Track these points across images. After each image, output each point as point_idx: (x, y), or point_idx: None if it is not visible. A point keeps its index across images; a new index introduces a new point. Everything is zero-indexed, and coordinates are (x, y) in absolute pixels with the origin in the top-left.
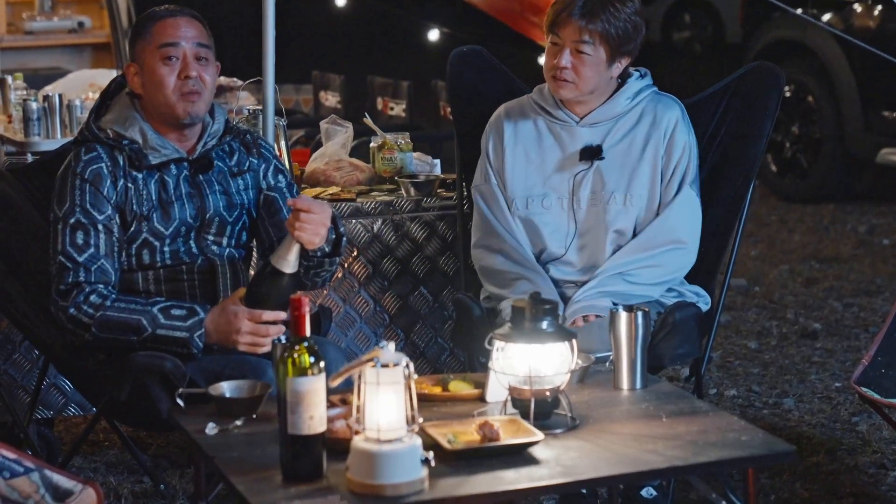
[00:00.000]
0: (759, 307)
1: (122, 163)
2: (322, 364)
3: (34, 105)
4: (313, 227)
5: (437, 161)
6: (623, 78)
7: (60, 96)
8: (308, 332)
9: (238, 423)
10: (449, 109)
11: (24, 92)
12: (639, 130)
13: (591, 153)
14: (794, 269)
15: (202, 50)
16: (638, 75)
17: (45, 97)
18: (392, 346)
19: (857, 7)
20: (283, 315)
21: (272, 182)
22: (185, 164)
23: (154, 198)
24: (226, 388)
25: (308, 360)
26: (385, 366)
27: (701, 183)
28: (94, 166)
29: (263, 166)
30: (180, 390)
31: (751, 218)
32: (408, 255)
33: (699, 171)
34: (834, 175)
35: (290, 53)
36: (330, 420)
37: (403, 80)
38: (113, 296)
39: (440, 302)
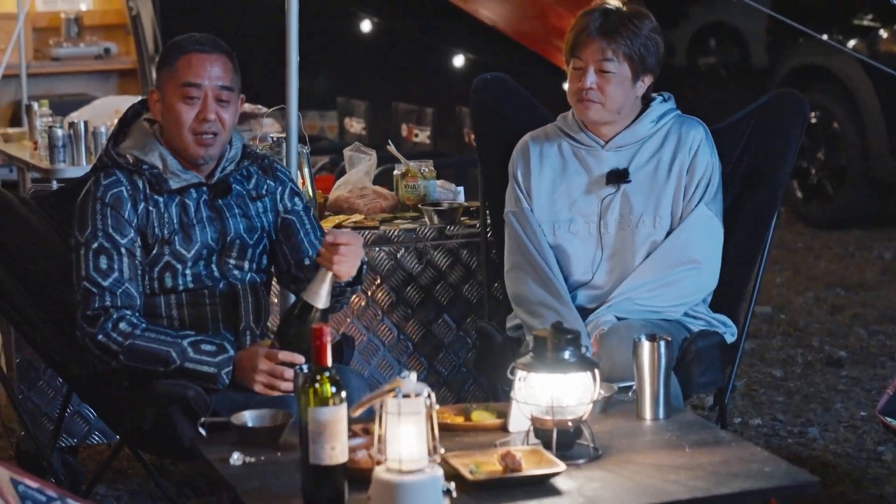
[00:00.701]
0: (784, 335)
1: (142, 187)
2: (344, 394)
3: (59, 132)
4: (352, 260)
5: (461, 188)
6: (646, 102)
7: (86, 123)
8: (329, 362)
9: (262, 457)
10: (473, 136)
11: (50, 119)
12: (664, 152)
13: (618, 176)
14: (820, 296)
15: (224, 92)
16: (661, 99)
17: (71, 124)
18: (414, 376)
19: (883, 33)
20: (300, 358)
21: (289, 205)
22: (205, 188)
23: (175, 221)
24: (248, 417)
25: (330, 389)
26: (406, 396)
27: (725, 210)
28: (115, 190)
29: (280, 189)
30: (203, 419)
31: (776, 244)
32: (431, 283)
33: (723, 198)
34: (860, 201)
35: (315, 80)
36: (352, 450)
37: (428, 107)
38: (143, 325)
39: (464, 330)
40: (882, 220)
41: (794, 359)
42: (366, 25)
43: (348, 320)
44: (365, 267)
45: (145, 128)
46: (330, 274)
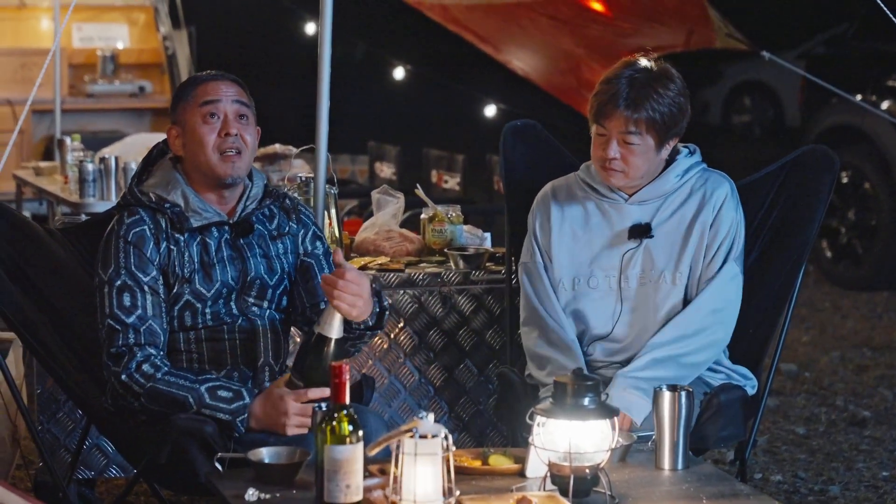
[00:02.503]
0: (809, 393)
1: (164, 225)
2: (361, 433)
3: (90, 166)
4: (351, 298)
5: (488, 235)
6: (672, 154)
7: (116, 158)
8: (348, 400)
9: (277, 494)
10: (502, 183)
11: (82, 153)
12: (688, 207)
13: (641, 231)
14: (846, 355)
15: (242, 108)
16: (687, 152)
17: (102, 159)
18: (431, 416)
19: None
20: (327, 392)
21: (309, 248)
22: (226, 227)
23: (196, 260)
24: (265, 453)
25: (347, 428)
26: (423, 436)
27: (751, 265)
28: (138, 229)
29: (302, 232)
30: (219, 455)
31: (804, 303)
32: (455, 328)
33: (750, 251)
34: (889, 262)
35: (347, 124)
36: (367, 490)
37: (458, 154)
38: (165, 368)
39: (485, 376)
40: None
41: (818, 417)
42: (399, 73)
43: (370, 362)
44: (388, 313)
45: (169, 166)
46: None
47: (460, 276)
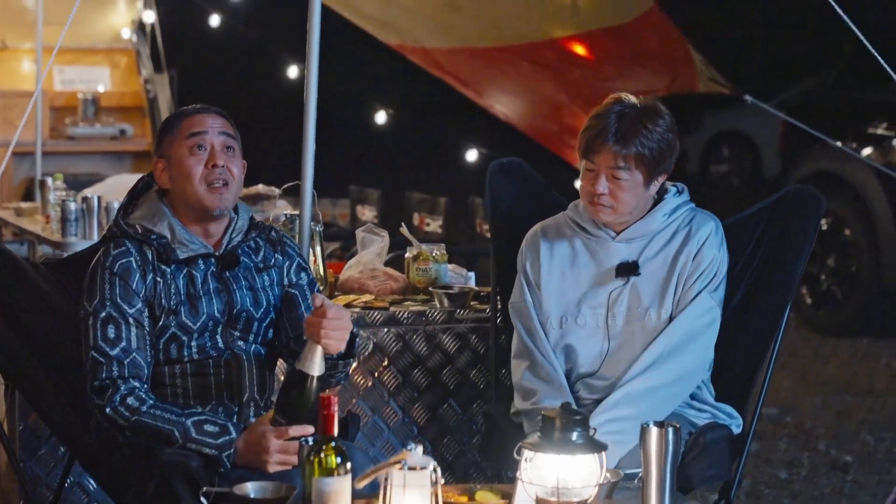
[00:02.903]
0: (791, 437)
1: (150, 257)
2: (349, 465)
3: (72, 205)
4: (340, 333)
5: (472, 274)
6: (660, 193)
7: (99, 198)
8: (336, 433)
9: None
10: (485, 226)
11: (64, 192)
12: (673, 245)
13: (628, 269)
14: (827, 400)
15: (229, 140)
16: (675, 191)
17: (84, 198)
18: (420, 449)
19: None
20: (310, 429)
21: (294, 279)
22: (213, 259)
23: (182, 292)
24: (251, 488)
25: (335, 460)
26: (412, 468)
27: (736, 303)
28: (124, 260)
29: (287, 263)
30: (205, 489)
31: (784, 349)
32: (438, 367)
33: (735, 291)
34: (869, 309)
35: (328, 167)
36: None
37: (441, 197)
38: (150, 401)
39: (469, 415)
40: (891, 328)
41: (801, 461)
42: (381, 117)
43: (353, 400)
44: (358, 340)
45: (155, 199)
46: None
47: (445, 314)
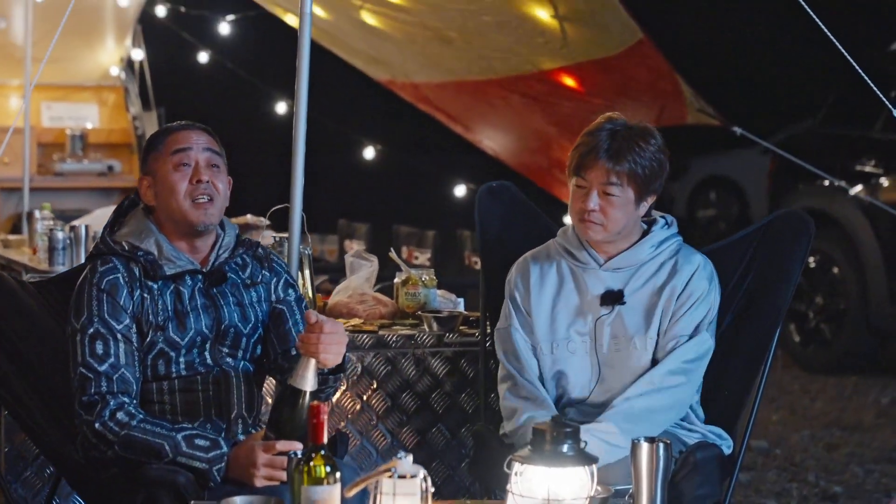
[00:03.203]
0: (780, 469)
1: (137, 274)
2: (338, 475)
3: (60, 234)
4: (337, 347)
5: (461, 300)
6: (649, 224)
7: (87, 227)
8: (325, 440)
9: None
10: (474, 259)
11: (51, 222)
12: (659, 276)
13: (613, 298)
14: (815, 434)
15: (214, 157)
16: (664, 223)
17: (72, 227)
18: (410, 457)
19: (885, 181)
20: (298, 445)
21: (282, 295)
22: (200, 276)
23: (170, 308)
24: (238, 502)
25: (324, 469)
26: (402, 477)
27: (726, 327)
28: (111, 276)
29: (275, 280)
30: (193, 502)
31: (773, 385)
32: (428, 391)
33: (724, 314)
34: (857, 347)
35: (316, 204)
36: None
37: (429, 230)
38: (140, 416)
39: (458, 439)
40: (880, 366)
41: (790, 492)
42: (369, 153)
43: (342, 423)
44: (348, 354)
45: (141, 216)
46: (313, 359)
47: (434, 338)
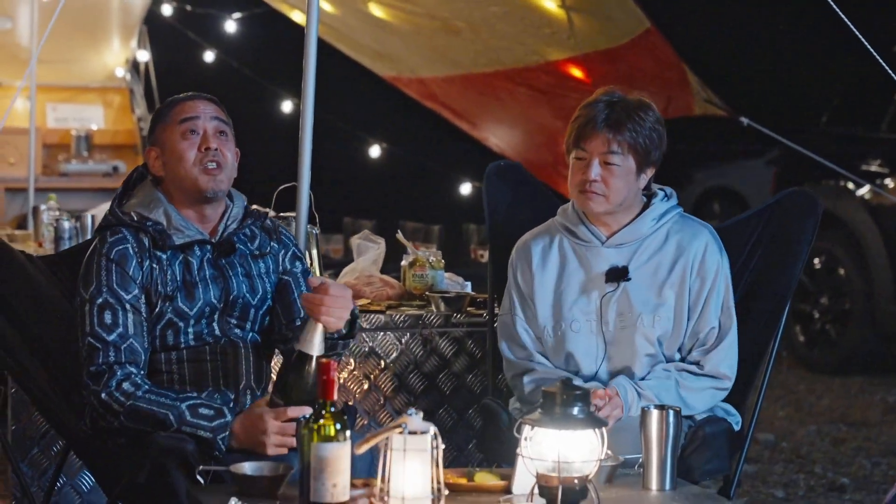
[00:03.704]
0: (787, 461)
1: (146, 244)
2: (348, 433)
3: (66, 224)
4: (341, 311)
5: (468, 283)
6: (648, 197)
7: (93, 217)
8: (335, 397)
9: None
10: (479, 252)
11: (57, 213)
12: (665, 253)
13: (617, 274)
14: (822, 429)
15: (221, 125)
16: (663, 195)
17: (77, 217)
18: (420, 414)
19: (890, 182)
20: (307, 410)
21: (288, 266)
22: (209, 246)
23: (178, 278)
24: (247, 467)
25: (334, 426)
26: (413, 433)
27: (735, 305)
28: (120, 247)
29: (283, 252)
30: (201, 467)
31: (778, 384)
32: (435, 371)
33: (734, 294)
34: (863, 347)
35: (321, 203)
36: (353, 500)
37: (434, 225)
38: (146, 386)
39: (465, 420)
40: (886, 366)
41: (797, 483)
42: (375, 150)
43: (349, 403)
44: (358, 321)
45: (150, 187)
46: (320, 324)
47: (441, 318)
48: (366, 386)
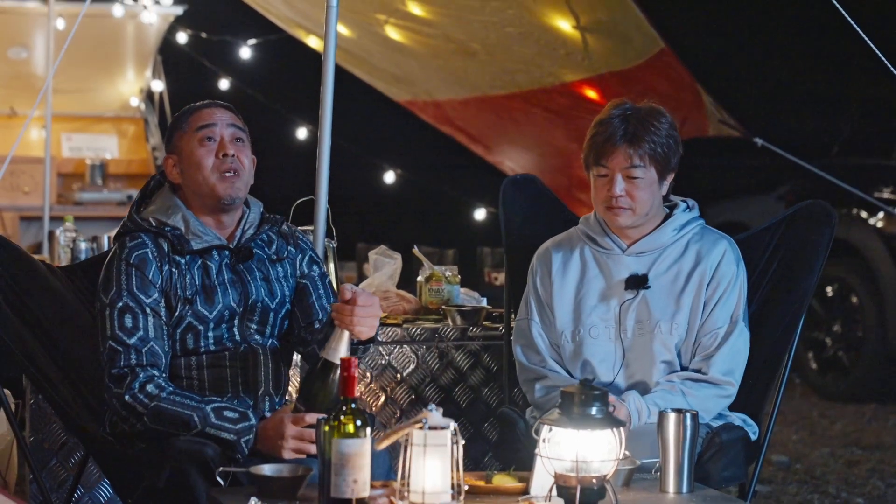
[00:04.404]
0: (801, 482)
1: (166, 248)
2: (368, 430)
3: (83, 244)
4: (371, 321)
5: (484, 298)
6: (671, 208)
7: (109, 237)
8: (356, 394)
9: None
10: (494, 275)
11: (74, 233)
12: (685, 262)
13: (637, 282)
14: (836, 452)
15: (238, 132)
16: (685, 206)
17: (94, 237)
18: (441, 410)
19: None
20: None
21: (306, 270)
22: (227, 252)
23: (197, 282)
24: (267, 468)
25: (355, 423)
26: (433, 428)
27: (751, 316)
28: (140, 252)
29: (300, 256)
30: (221, 468)
31: (791, 410)
32: (451, 384)
33: (749, 304)
34: (876, 374)
35: (335, 231)
36: (372, 499)
37: (448, 249)
38: (169, 388)
39: (482, 433)
40: None
41: (812, 502)
42: (389, 176)
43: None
44: (378, 328)
45: (168, 193)
46: (346, 332)
47: (457, 331)
48: (382, 399)
